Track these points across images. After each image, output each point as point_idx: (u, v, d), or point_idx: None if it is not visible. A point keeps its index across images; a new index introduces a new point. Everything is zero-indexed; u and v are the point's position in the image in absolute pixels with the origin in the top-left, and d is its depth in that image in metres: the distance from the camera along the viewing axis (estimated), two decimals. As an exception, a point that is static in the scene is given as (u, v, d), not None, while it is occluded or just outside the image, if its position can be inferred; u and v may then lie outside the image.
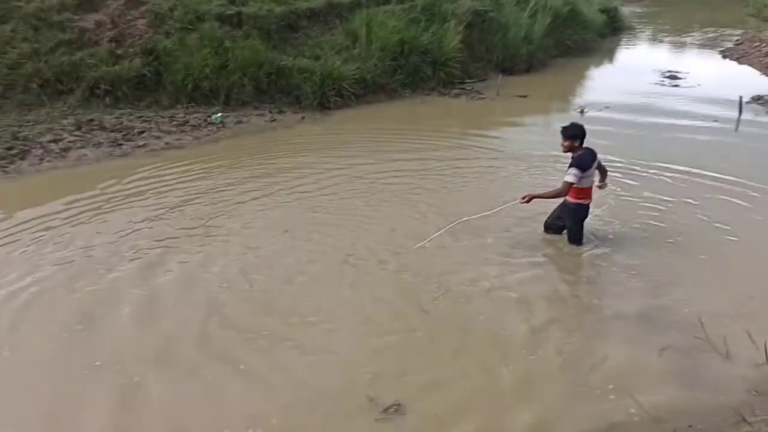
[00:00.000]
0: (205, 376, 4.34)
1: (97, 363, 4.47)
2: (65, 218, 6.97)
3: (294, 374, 4.37)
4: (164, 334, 4.84)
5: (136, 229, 6.69)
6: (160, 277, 5.68)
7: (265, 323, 4.94)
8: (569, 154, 5.94)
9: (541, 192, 6.10)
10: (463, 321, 4.94)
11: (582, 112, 11.93)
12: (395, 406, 3.95)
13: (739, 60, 17.66)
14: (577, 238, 6.14)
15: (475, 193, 7.63)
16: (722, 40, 21.87)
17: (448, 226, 6.22)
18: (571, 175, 5.81)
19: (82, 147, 9.57)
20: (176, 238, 6.47)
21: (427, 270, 5.68)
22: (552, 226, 6.30)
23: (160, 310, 5.18)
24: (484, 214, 6.20)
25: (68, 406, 4.08)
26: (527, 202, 6.00)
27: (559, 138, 5.95)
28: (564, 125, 6.02)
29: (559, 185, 5.98)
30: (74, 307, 5.18)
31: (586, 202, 6.04)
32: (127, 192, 7.83)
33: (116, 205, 7.40)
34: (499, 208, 6.20)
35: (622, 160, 8.58)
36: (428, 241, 6.05)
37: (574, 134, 5.91)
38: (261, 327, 4.90)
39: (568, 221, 6.13)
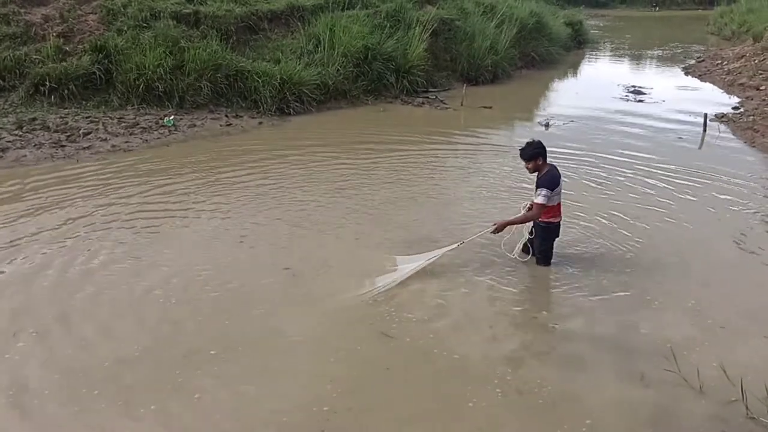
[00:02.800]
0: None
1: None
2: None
3: (244, 400, 3.97)
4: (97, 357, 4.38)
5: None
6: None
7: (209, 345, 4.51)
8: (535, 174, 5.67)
9: (511, 218, 5.78)
10: (424, 347, 4.57)
11: (546, 125, 11.75)
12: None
13: (702, 77, 17.80)
14: (546, 258, 5.82)
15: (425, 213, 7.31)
16: (684, 57, 22.15)
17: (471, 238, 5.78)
18: (541, 197, 5.50)
19: (22, 147, 8.99)
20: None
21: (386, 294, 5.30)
22: (523, 247, 5.97)
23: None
24: (449, 247, 5.71)
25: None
26: (498, 231, 5.68)
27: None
28: (521, 147, 5.71)
29: (521, 212, 5.73)
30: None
31: (557, 221, 5.73)
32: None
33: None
34: (468, 239, 5.78)
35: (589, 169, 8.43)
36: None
37: (535, 154, 5.60)
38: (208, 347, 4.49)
39: (538, 241, 5.81)
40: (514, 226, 5.79)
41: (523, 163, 5.72)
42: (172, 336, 4.66)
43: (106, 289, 5.30)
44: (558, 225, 5.76)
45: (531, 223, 5.74)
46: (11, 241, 6.11)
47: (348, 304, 5.14)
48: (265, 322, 4.89)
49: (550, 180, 5.55)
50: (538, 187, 5.57)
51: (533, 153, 5.59)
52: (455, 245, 5.67)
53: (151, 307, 5.05)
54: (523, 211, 5.80)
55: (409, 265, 5.59)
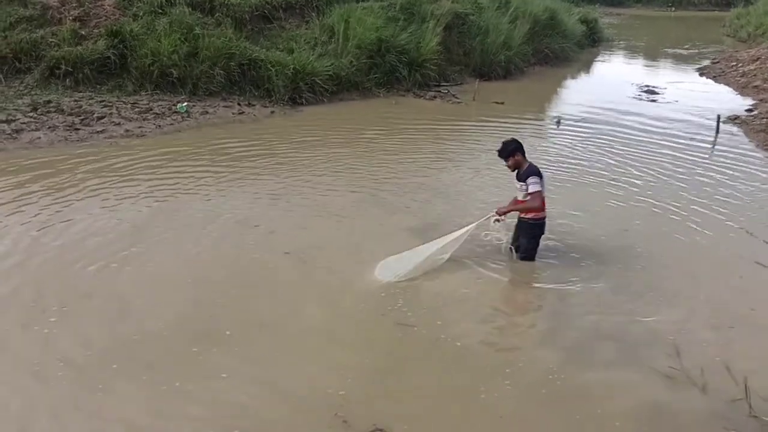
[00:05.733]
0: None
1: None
2: None
3: (260, 381, 4.05)
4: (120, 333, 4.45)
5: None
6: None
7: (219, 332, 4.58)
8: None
9: (512, 206, 5.77)
10: (430, 337, 4.62)
11: (558, 122, 11.73)
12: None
13: (716, 78, 17.69)
14: (531, 255, 5.80)
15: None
16: (699, 58, 21.99)
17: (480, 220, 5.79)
18: (534, 184, 5.50)
19: (36, 129, 9.08)
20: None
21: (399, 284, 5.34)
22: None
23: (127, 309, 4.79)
24: (462, 232, 5.72)
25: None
26: (502, 217, 5.69)
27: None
28: (498, 149, 5.75)
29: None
30: None
31: (543, 216, 5.71)
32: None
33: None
34: (475, 224, 5.80)
35: (593, 173, 8.43)
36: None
37: (512, 150, 5.63)
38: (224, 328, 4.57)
39: (525, 240, 5.78)
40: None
41: (504, 163, 5.76)
42: (190, 316, 4.75)
43: (127, 268, 5.40)
44: (544, 221, 5.76)
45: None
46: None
47: (362, 291, 5.21)
48: (280, 307, 4.97)
49: (535, 169, 5.61)
50: (524, 179, 5.58)
51: (511, 149, 5.65)
52: (464, 231, 5.67)
53: (169, 287, 5.15)
54: (491, 216, 5.74)
55: (423, 253, 5.61)
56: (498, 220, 5.72)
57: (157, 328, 4.56)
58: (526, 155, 5.73)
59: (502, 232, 5.80)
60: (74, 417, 3.71)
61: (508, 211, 5.72)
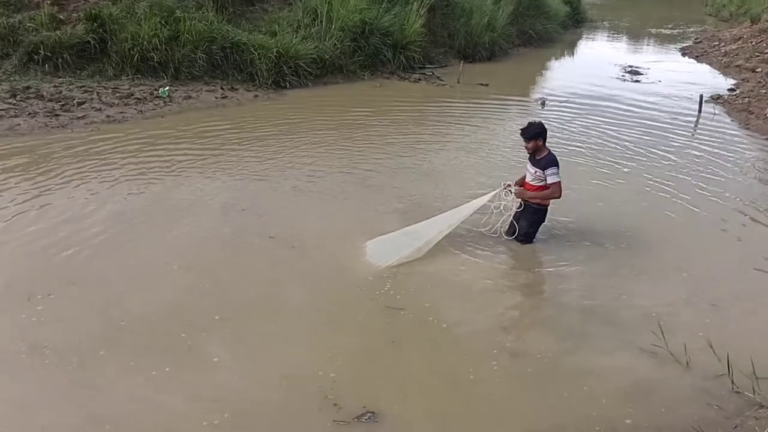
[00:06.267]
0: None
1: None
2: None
3: (250, 364, 4.07)
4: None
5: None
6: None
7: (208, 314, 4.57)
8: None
9: (531, 193, 5.69)
10: (419, 319, 4.63)
11: (543, 104, 11.74)
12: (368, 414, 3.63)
13: (698, 58, 17.78)
14: (530, 238, 5.82)
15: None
16: (681, 38, 22.07)
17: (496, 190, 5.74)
18: (555, 175, 5.52)
19: (16, 116, 8.91)
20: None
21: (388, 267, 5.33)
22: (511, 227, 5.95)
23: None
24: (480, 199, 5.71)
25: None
26: (519, 196, 5.69)
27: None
28: (523, 127, 5.72)
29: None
30: None
31: (547, 204, 5.76)
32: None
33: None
34: (492, 193, 5.72)
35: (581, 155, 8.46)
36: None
37: (537, 133, 5.60)
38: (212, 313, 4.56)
39: (526, 222, 5.78)
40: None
41: (523, 142, 5.71)
42: (178, 301, 4.72)
43: (111, 254, 5.36)
44: (547, 209, 5.79)
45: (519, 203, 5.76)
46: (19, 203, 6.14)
47: (351, 274, 5.21)
48: (268, 290, 4.96)
49: (554, 158, 5.61)
50: (543, 168, 5.55)
51: (534, 132, 5.61)
52: (471, 205, 5.69)
53: (155, 273, 5.11)
54: (503, 190, 5.72)
55: (422, 232, 5.62)
56: (509, 191, 5.69)
57: (144, 313, 4.53)
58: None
59: (510, 209, 5.75)
60: (64, 403, 3.69)
61: (528, 198, 5.70)
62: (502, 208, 5.74)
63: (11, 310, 4.51)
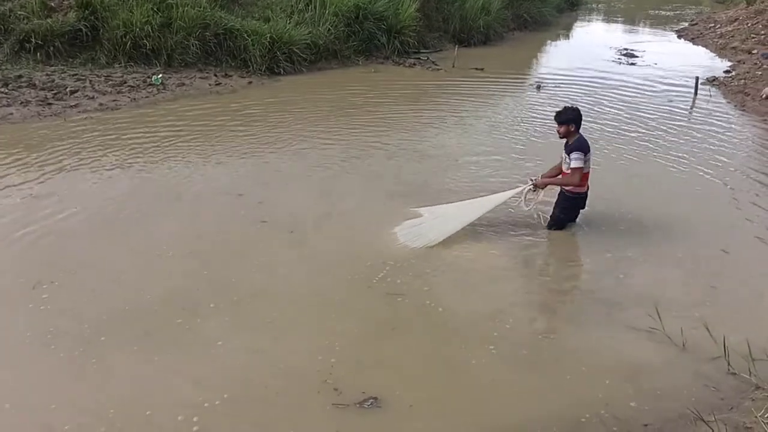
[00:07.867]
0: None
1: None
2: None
3: (250, 350, 4.07)
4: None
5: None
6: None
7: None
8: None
9: (549, 180, 5.70)
10: (419, 304, 4.63)
11: (538, 87, 11.69)
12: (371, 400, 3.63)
13: (694, 40, 17.72)
14: (560, 225, 5.77)
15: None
16: (678, 20, 21.99)
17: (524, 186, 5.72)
18: (575, 160, 5.43)
19: (8, 105, 8.85)
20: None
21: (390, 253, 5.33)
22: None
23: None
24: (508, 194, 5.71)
25: None
26: (541, 187, 5.65)
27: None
28: (558, 110, 5.67)
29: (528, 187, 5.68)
30: None
31: (584, 191, 5.66)
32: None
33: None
34: (516, 191, 5.70)
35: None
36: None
37: (570, 118, 5.53)
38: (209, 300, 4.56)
39: (557, 209, 5.73)
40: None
41: (555, 126, 5.67)
42: (179, 288, 4.71)
43: (110, 242, 5.35)
44: (585, 196, 5.69)
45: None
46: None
47: (351, 259, 5.20)
48: (268, 276, 4.95)
49: (582, 144, 5.50)
50: (571, 151, 5.49)
51: (567, 117, 5.54)
52: (498, 197, 5.70)
53: (154, 259, 5.11)
54: (528, 186, 5.67)
55: (448, 217, 5.65)
56: (534, 189, 5.66)
57: (145, 300, 4.53)
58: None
59: (532, 203, 5.73)
60: (68, 389, 3.70)
61: (546, 185, 5.67)
62: (523, 202, 5.69)
63: (17, 298, 4.53)
